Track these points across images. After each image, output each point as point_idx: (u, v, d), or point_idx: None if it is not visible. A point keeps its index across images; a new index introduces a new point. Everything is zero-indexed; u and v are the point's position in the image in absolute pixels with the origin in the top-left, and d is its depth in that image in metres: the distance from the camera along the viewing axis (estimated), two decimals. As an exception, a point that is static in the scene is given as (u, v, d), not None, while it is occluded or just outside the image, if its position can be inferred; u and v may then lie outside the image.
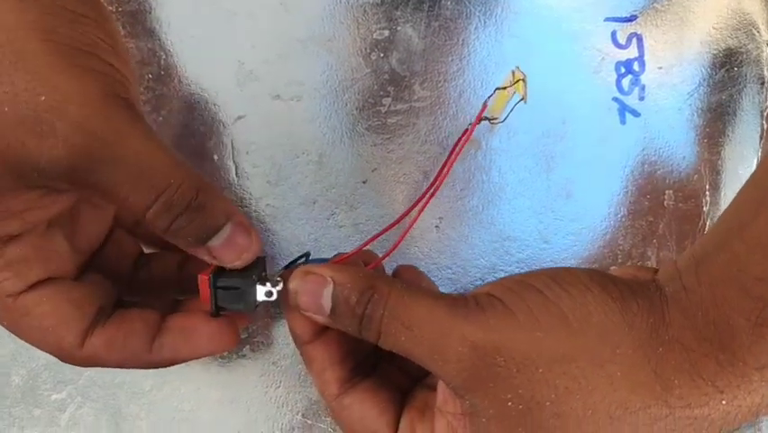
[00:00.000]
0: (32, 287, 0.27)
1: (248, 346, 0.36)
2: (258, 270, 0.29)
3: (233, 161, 0.36)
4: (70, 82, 0.25)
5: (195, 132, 0.36)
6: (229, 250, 0.28)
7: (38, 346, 0.28)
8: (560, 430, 0.25)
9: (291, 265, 0.31)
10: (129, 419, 0.36)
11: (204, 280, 0.29)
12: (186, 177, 0.27)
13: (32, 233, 0.27)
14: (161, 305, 0.32)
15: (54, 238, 0.29)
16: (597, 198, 0.37)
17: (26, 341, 0.28)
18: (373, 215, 0.36)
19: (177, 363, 0.30)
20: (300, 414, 0.36)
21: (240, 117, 0.36)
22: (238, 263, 0.28)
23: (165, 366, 0.30)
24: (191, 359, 0.30)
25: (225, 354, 0.36)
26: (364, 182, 0.37)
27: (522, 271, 0.36)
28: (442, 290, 0.36)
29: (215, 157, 0.36)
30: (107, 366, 0.29)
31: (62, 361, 0.29)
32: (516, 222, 0.37)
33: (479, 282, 0.37)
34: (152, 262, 0.33)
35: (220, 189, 0.35)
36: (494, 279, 0.36)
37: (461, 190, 0.37)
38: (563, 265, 0.37)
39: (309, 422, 0.36)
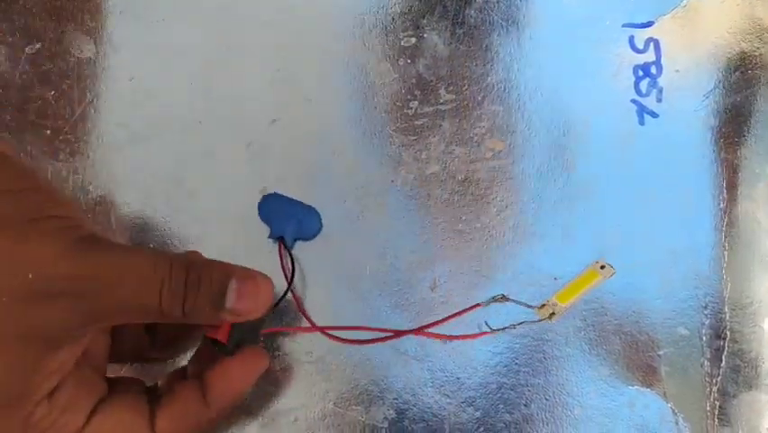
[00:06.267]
0: (90, 416, 0.28)
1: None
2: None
3: (270, 162, 0.38)
4: (40, 249, 0.26)
5: (234, 134, 0.38)
6: (245, 302, 0.30)
7: None
8: None
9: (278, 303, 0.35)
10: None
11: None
12: (168, 262, 0.28)
13: (69, 375, 0.28)
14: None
15: (85, 368, 0.30)
16: (617, 196, 0.38)
17: None
18: (401, 213, 0.38)
19: (236, 404, 0.32)
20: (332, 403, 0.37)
21: (274, 120, 0.38)
22: (263, 310, 0.30)
23: (226, 416, 0.32)
24: (244, 393, 0.32)
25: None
26: (392, 182, 0.38)
27: (548, 264, 0.37)
28: (468, 291, 0.37)
29: (253, 158, 0.38)
30: None
31: None
32: (540, 219, 0.38)
33: (503, 279, 0.38)
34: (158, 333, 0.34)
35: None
36: (520, 274, 0.38)
37: (485, 189, 0.38)
38: (584, 259, 0.38)
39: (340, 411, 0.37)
